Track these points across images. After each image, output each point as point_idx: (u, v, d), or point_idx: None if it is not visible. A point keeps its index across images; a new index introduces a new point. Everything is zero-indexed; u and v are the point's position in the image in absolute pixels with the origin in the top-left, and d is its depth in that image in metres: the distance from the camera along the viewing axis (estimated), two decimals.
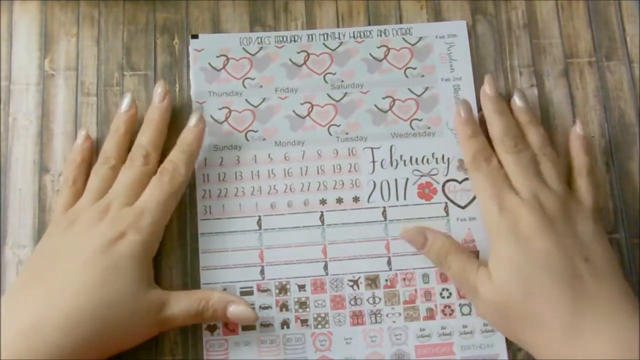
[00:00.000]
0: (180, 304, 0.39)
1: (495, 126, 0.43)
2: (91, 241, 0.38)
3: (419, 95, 0.46)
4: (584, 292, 0.37)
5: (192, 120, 0.43)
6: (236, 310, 0.39)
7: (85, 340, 0.36)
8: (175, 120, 0.45)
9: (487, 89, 0.44)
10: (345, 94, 0.46)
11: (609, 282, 0.37)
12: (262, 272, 0.43)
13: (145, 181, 0.41)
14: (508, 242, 0.39)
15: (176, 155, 0.42)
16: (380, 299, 0.42)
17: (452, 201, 0.44)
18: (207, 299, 0.39)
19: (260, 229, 0.43)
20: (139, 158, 0.42)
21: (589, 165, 0.43)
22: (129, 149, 0.43)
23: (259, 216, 0.44)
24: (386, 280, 0.43)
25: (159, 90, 0.44)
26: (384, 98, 0.46)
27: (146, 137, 0.43)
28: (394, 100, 0.46)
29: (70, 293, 0.37)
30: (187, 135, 0.43)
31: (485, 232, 0.42)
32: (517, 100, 0.44)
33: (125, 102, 0.44)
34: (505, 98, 0.45)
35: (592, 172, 0.43)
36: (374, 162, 0.45)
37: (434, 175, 0.44)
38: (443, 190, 0.44)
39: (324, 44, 0.47)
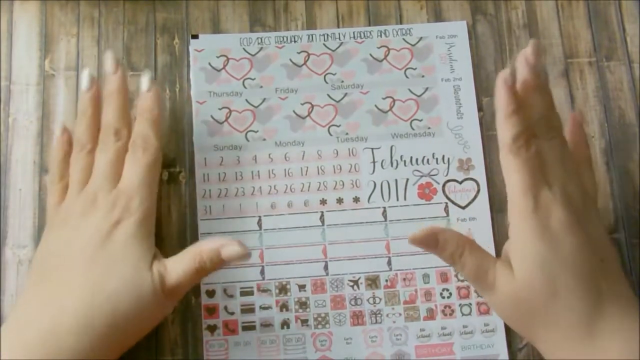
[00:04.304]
0: (178, 269, 0.38)
1: (536, 105, 0.39)
2: (89, 235, 0.38)
3: (419, 96, 0.46)
4: (601, 294, 0.36)
5: (144, 85, 0.42)
6: (228, 252, 0.37)
7: (102, 337, 0.36)
8: (175, 120, 0.45)
9: (529, 57, 0.38)
10: (346, 94, 0.46)
11: (620, 283, 0.37)
12: (262, 272, 0.43)
13: (122, 158, 0.40)
14: (538, 239, 0.36)
15: (141, 126, 0.41)
16: (380, 299, 0.42)
17: (452, 201, 0.44)
18: (199, 254, 0.38)
19: (260, 229, 0.43)
20: (109, 137, 0.41)
21: (590, 158, 0.42)
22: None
23: (259, 216, 0.44)
24: (386, 281, 0.43)
25: (108, 61, 0.42)
26: (384, 98, 0.46)
27: (110, 114, 0.41)
28: (394, 100, 0.46)
29: (79, 293, 0.36)
30: (144, 102, 0.41)
31: (509, 220, 0.38)
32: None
33: (84, 80, 0.42)
34: None
35: (592, 165, 0.42)
36: (374, 162, 0.45)
37: (434, 175, 0.44)
38: (443, 191, 0.44)
39: (324, 44, 0.47)
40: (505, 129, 0.38)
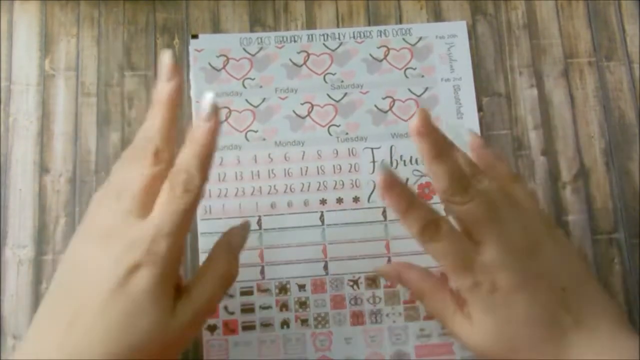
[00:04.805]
0: (204, 294, 0.34)
1: (440, 175, 0.35)
2: (106, 270, 0.33)
3: (419, 96, 0.46)
4: (563, 327, 0.35)
5: (204, 110, 0.34)
6: (238, 241, 0.36)
7: None
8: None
9: (415, 127, 0.35)
10: (345, 94, 0.46)
11: (589, 304, 0.36)
12: (262, 271, 0.43)
13: (157, 185, 0.34)
14: (487, 309, 0.35)
15: (188, 159, 0.34)
16: (380, 299, 0.42)
17: None
18: (228, 271, 0.35)
19: (260, 228, 0.43)
20: (147, 156, 0.34)
21: (512, 172, 0.40)
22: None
23: (259, 216, 0.44)
24: (386, 280, 0.43)
25: (165, 66, 0.36)
26: (384, 98, 0.46)
27: (153, 129, 0.35)
28: (394, 100, 0.46)
29: (94, 340, 0.32)
30: (199, 133, 0.34)
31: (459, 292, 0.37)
32: (471, 139, 0.39)
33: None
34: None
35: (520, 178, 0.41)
36: (374, 162, 0.45)
37: None
38: None
39: (324, 44, 0.47)
40: (407, 226, 0.36)
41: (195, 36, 0.47)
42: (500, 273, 0.34)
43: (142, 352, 0.32)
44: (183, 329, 0.33)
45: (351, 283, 0.43)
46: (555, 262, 0.36)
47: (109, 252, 0.33)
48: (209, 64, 0.46)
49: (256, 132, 0.45)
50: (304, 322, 0.42)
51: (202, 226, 0.43)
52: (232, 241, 0.36)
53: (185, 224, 0.34)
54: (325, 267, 0.43)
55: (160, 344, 0.33)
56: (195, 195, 0.34)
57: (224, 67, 0.46)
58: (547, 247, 0.36)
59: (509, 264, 0.35)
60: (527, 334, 0.35)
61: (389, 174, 0.35)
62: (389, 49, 0.47)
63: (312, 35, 0.47)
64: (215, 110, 0.34)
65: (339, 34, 0.47)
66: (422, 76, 0.46)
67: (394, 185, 0.35)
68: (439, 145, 0.36)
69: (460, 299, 0.36)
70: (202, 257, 0.43)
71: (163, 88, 0.36)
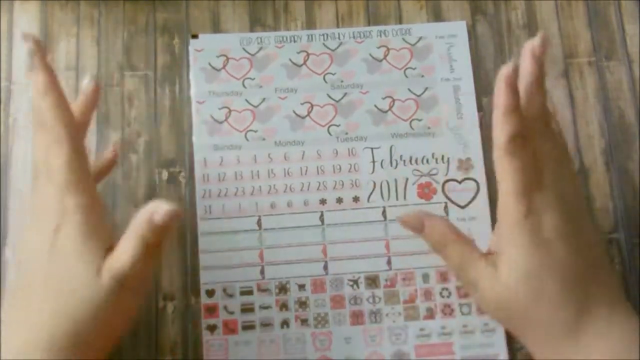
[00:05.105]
0: (126, 259, 0.34)
1: (539, 99, 0.37)
2: (39, 245, 0.36)
3: (418, 96, 0.46)
4: (588, 297, 0.35)
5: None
6: (160, 218, 0.34)
7: (71, 349, 0.34)
8: (175, 120, 0.45)
9: (536, 48, 0.36)
10: (345, 94, 0.46)
11: (610, 287, 0.37)
12: (262, 271, 0.43)
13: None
14: (527, 248, 0.35)
15: (37, 101, 0.36)
16: (380, 299, 0.42)
17: (451, 201, 0.44)
18: (140, 233, 0.34)
19: (260, 228, 0.43)
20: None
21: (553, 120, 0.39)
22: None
23: (259, 216, 0.44)
24: (386, 280, 0.43)
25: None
26: (383, 98, 0.46)
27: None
28: (393, 100, 0.46)
29: (45, 310, 0.34)
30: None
31: (498, 219, 0.37)
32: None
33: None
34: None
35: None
36: (373, 162, 0.45)
37: (433, 175, 0.44)
38: (443, 190, 0.44)
39: (323, 44, 0.47)
40: (502, 128, 0.35)
41: (195, 36, 0.47)
42: (553, 215, 0.35)
43: (75, 315, 0.34)
44: (112, 290, 0.34)
45: (351, 283, 0.43)
46: (589, 238, 0.37)
47: (36, 229, 0.36)
48: (209, 64, 0.46)
49: (256, 132, 0.45)
50: (304, 321, 0.42)
51: (202, 226, 0.43)
52: (158, 217, 0.34)
53: (81, 173, 0.36)
54: (325, 267, 0.43)
55: (94, 307, 0.34)
56: (70, 146, 0.35)
57: (223, 67, 0.46)
58: (586, 223, 0.37)
59: (562, 211, 0.35)
60: (556, 285, 0.35)
61: (516, 69, 0.35)
62: (388, 49, 0.47)
63: (312, 35, 0.47)
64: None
65: (338, 34, 0.47)
66: (422, 76, 0.46)
67: (513, 82, 0.35)
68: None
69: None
70: (202, 257, 0.43)
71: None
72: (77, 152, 0.36)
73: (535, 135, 0.36)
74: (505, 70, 0.35)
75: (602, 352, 0.35)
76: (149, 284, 0.38)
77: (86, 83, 0.40)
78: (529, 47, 0.36)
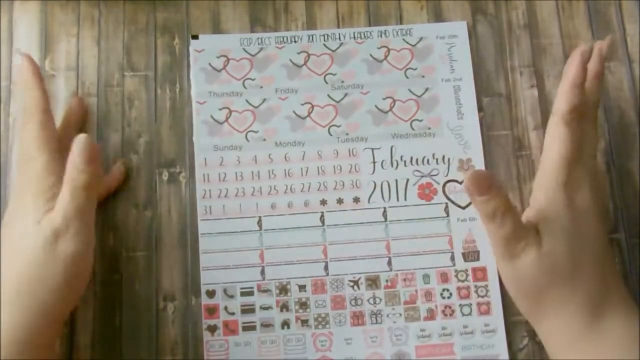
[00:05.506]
0: (58, 206, 0.37)
1: (595, 90, 0.41)
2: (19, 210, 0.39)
3: (419, 96, 0.46)
4: (607, 281, 0.38)
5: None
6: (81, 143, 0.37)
7: (27, 308, 0.36)
8: (175, 120, 0.45)
9: (605, 48, 0.42)
10: (346, 94, 0.46)
11: (619, 279, 0.39)
12: (262, 272, 0.43)
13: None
14: (565, 212, 0.38)
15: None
16: (380, 300, 0.43)
17: (452, 202, 0.44)
18: (68, 177, 0.37)
19: (260, 229, 0.43)
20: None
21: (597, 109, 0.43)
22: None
23: (260, 217, 0.44)
24: (387, 281, 0.43)
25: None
26: (384, 99, 0.46)
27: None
28: (394, 100, 0.46)
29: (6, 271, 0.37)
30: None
31: (535, 189, 0.40)
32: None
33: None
34: (505, 98, 0.45)
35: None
36: (374, 162, 0.45)
37: (434, 175, 0.44)
38: (443, 191, 0.44)
39: (324, 44, 0.47)
40: (566, 98, 0.39)
41: (195, 37, 0.47)
42: (586, 189, 0.39)
43: (20, 270, 0.36)
44: (47, 239, 0.36)
45: (351, 284, 0.43)
46: (605, 241, 0.40)
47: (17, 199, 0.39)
48: (209, 64, 0.46)
49: (256, 132, 0.45)
50: (305, 322, 0.42)
51: (202, 227, 0.43)
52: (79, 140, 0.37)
53: (50, 133, 0.40)
54: (326, 268, 0.43)
55: (34, 261, 0.36)
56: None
57: (224, 68, 0.46)
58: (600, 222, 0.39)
59: (592, 190, 0.39)
60: (590, 257, 0.37)
61: (592, 50, 0.41)
62: (389, 50, 0.47)
63: (312, 36, 0.47)
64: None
65: (339, 34, 0.47)
66: (423, 76, 0.46)
67: (586, 60, 0.40)
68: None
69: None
70: (203, 258, 0.43)
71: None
72: (46, 122, 0.40)
73: (588, 115, 0.40)
74: (582, 47, 0.40)
75: (620, 337, 0.36)
76: (91, 235, 0.38)
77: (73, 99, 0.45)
78: (598, 46, 0.42)
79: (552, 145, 0.39)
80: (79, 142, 0.37)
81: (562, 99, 0.40)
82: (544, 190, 0.39)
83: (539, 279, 0.37)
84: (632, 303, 0.38)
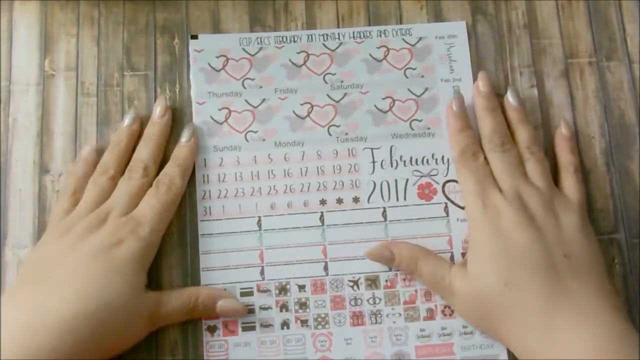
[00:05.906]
0: (173, 302, 0.40)
1: (486, 123, 0.44)
2: (89, 246, 0.39)
3: (418, 96, 0.46)
4: (561, 287, 0.37)
5: (185, 136, 0.44)
6: (225, 304, 0.41)
7: (82, 343, 0.36)
8: (175, 121, 0.45)
9: (480, 85, 0.45)
10: (345, 94, 0.46)
11: (587, 280, 0.38)
12: (262, 272, 0.43)
13: (143, 193, 0.42)
14: (487, 234, 0.39)
15: (172, 168, 0.43)
16: (380, 300, 0.42)
17: (452, 202, 0.44)
18: (196, 296, 0.40)
19: (260, 229, 0.43)
20: (138, 170, 0.42)
21: (575, 162, 0.43)
22: (128, 161, 0.43)
23: (259, 217, 0.44)
24: (386, 281, 0.43)
25: (159, 107, 0.45)
26: (383, 98, 0.46)
27: (146, 151, 0.43)
28: (393, 100, 0.46)
29: (68, 295, 0.37)
30: (182, 151, 0.44)
31: (467, 227, 0.43)
32: (509, 98, 0.45)
33: (129, 117, 0.44)
34: (501, 96, 0.45)
35: (579, 170, 0.43)
36: (373, 162, 0.45)
37: (433, 175, 0.44)
38: (443, 191, 0.44)
39: (323, 44, 0.47)
40: (452, 144, 0.44)
41: (194, 36, 0.47)
42: (509, 210, 0.40)
43: (110, 313, 0.37)
44: (147, 308, 0.39)
45: (351, 284, 0.43)
46: (562, 233, 0.39)
47: (91, 237, 0.40)
48: (209, 64, 0.46)
49: (256, 132, 0.45)
50: (304, 322, 0.42)
51: (202, 227, 0.43)
52: (222, 304, 0.41)
53: (165, 217, 0.42)
54: (325, 268, 0.43)
55: (127, 313, 0.38)
56: (175, 195, 0.42)
57: (223, 68, 0.46)
58: (560, 220, 0.40)
59: (518, 209, 0.40)
60: (521, 269, 0.38)
61: (461, 101, 0.45)
62: (388, 49, 0.47)
63: (311, 36, 0.47)
64: (192, 133, 0.44)
65: (338, 34, 0.47)
66: (422, 76, 0.46)
67: (460, 108, 0.45)
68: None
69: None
70: (203, 258, 0.43)
71: (157, 122, 0.44)
72: (176, 202, 0.43)
73: (492, 147, 0.43)
74: (448, 104, 0.45)
75: (579, 346, 0.35)
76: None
77: (86, 151, 0.44)
78: (475, 85, 0.45)
79: (463, 189, 0.43)
80: (231, 309, 0.41)
81: (451, 148, 0.44)
82: (469, 225, 0.42)
83: (474, 303, 0.39)
84: (598, 311, 0.36)
